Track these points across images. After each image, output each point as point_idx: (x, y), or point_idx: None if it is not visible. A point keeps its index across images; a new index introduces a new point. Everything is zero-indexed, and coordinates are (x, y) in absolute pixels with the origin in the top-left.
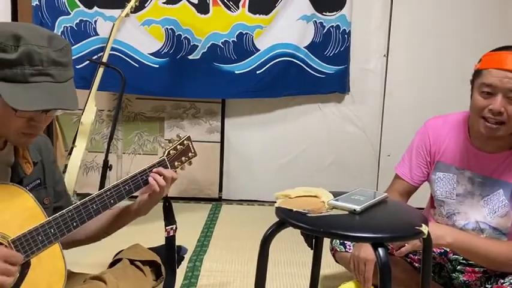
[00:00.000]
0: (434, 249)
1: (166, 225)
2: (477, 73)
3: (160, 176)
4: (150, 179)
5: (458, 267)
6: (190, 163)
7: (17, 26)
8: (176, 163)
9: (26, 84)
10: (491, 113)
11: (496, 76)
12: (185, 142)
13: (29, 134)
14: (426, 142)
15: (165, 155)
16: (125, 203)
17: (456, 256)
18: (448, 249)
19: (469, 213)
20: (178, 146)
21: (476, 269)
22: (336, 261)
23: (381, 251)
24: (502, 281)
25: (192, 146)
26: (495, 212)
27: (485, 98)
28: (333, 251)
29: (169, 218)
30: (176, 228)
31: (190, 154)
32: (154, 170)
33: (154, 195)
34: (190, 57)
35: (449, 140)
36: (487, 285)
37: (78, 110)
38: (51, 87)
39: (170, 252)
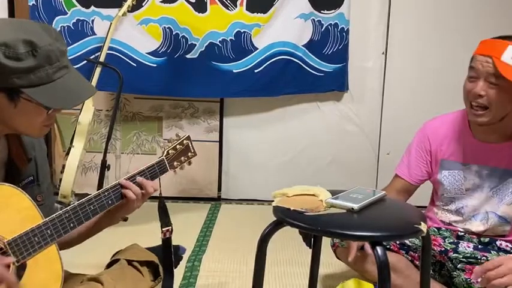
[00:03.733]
0: (434, 248)
1: (162, 227)
2: (471, 59)
3: (141, 188)
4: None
5: (459, 265)
6: (189, 163)
7: (15, 29)
8: (175, 163)
9: (52, 83)
10: (473, 97)
11: (479, 60)
12: (185, 142)
13: (49, 124)
14: (425, 142)
15: (164, 155)
16: None
17: (456, 255)
18: (448, 248)
19: (478, 205)
20: (178, 146)
21: (477, 266)
22: (337, 257)
23: (379, 249)
24: None
25: (192, 146)
26: (502, 200)
27: (470, 82)
28: (334, 246)
29: (164, 220)
30: (172, 229)
31: (189, 154)
32: (138, 179)
33: (130, 201)
34: (188, 56)
35: (451, 137)
36: None
37: (76, 110)
38: (72, 78)
39: (167, 254)
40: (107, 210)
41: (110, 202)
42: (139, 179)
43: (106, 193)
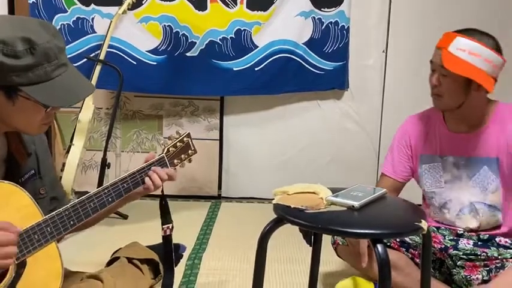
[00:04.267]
0: (434, 245)
1: (163, 224)
2: None
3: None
4: (147, 179)
5: (459, 262)
6: (190, 160)
7: (13, 27)
8: (175, 161)
9: (51, 81)
10: (431, 87)
11: (435, 54)
12: (185, 139)
13: (48, 122)
14: (405, 136)
15: (164, 152)
16: None
17: (456, 251)
18: (448, 245)
19: (461, 197)
20: (178, 143)
21: (477, 263)
22: (338, 255)
23: (379, 247)
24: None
25: (192, 143)
26: (486, 189)
27: (431, 75)
28: (335, 244)
29: (165, 217)
30: (173, 227)
31: (190, 151)
32: (152, 169)
33: (148, 191)
34: (188, 54)
35: (428, 131)
36: (485, 278)
37: (76, 108)
38: (71, 76)
39: (167, 251)
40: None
41: (110, 200)
42: (153, 168)
43: (106, 191)
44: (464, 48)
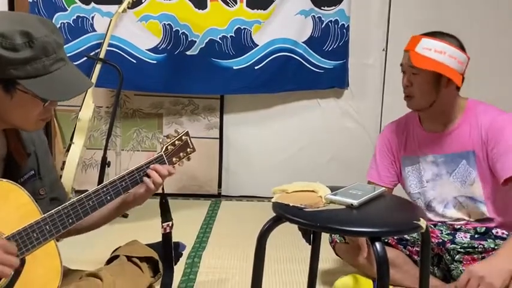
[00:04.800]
0: (432, 240)
1: (162, 222)
2: None
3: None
4: (145, 178)
5: (457, 256)
6: (188, 159)
7: (12, 21)
8: (174, 159)
9: (49, 75)
10: (403, 88)
11: (404, 56)
12: (183, 138)
13: (46, 118)
14: (386, 142)
15: (163, 150)
16: None
17: (454, 245)
18: (445, 239)
19: (444, 193)
20: (177, 142)
21: (475, 256)
22: (336, 253)
23: (377, 245)
24: None
25: (191, 142)
26: (465, 182)
27: (402, 78)
28: (333, 243)
29: (165, 215)
30: (173, 224)
31: (188, 150)
32: (151, 166)
33: (150, 190)
34: (188, 53)
35: (406, 134)
36: None
37: (76, 107)
38: (69, 70)
39: (167, 249)
40: (121, 203)
41: (108, 198)
42: (153, 166)
43: (104, 189)
44: (429, 47)
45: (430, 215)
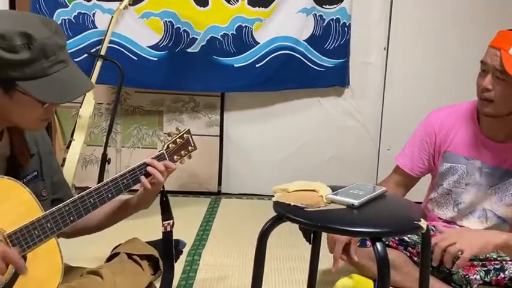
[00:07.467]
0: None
1: (163, 220)
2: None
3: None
4: (142, 177)
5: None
6: (190, 157)
7: (14, 21)
8: (175, 157)
9: (47, 77)
10: (481, 91)
11: (489, 53)
12: (185, 136)
13: (47, 118)
14: (431, 133)
15: (164, 148)
16: (125, 196)
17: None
18: None
19: (476, 202)
20: (178, 140)
21: (475, 262)
22: None
23: (378, 245)
24: (503, 275)
25: (192, 140)
26: (502, 200)
27: (481, 77)
28: None
29: (166, 213)
30: (173, 223)
31: (190, 148)
32: (148, 161)
33: (150, 189)
34: (189, 50)
35: (457, 129)
36: (486, 279)
37: (77, 103)
38: (69, 73)
39: (167, 247)
40: (125, 204)
41: (109, 195)
42: (149, 161)
43: (106, 186)
44: None
45: (450, 214)
